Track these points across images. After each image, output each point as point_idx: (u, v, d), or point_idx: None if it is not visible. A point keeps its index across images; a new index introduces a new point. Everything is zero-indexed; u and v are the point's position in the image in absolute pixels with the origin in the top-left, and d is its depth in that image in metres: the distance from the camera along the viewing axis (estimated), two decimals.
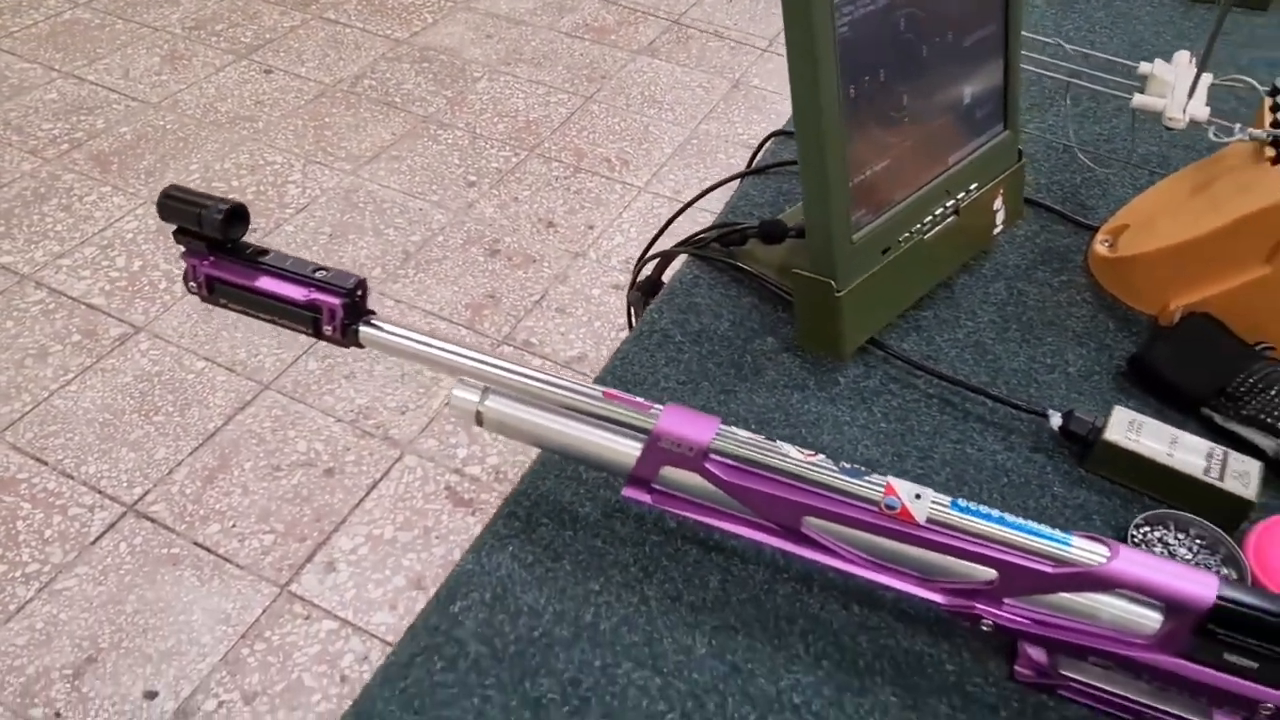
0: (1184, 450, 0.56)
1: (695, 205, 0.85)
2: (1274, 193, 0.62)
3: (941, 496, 0.45)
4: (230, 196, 0.49)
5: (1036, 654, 0.48)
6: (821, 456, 0.47)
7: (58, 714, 1.20)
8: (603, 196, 2.13)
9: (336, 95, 2.40)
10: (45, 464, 1.49)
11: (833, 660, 0.49)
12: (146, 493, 1.47)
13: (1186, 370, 0.62)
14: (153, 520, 1.43)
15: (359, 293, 0.52)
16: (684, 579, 0.52)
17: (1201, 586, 0.42)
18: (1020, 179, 0.72)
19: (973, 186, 0.68)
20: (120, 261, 1.88)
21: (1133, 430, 0.57)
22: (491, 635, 0.49)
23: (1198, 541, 0.54)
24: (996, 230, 0.72)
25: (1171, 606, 0.42)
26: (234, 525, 1.43)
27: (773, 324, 0.67)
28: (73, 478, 1.48)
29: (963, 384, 0.63)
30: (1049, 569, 0.43)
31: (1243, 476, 0.55)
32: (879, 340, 0.65)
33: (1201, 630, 0.42)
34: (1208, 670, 0.43)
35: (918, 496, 0.45)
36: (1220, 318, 0.66)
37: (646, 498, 0.50)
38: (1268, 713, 0.42)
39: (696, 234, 0.74)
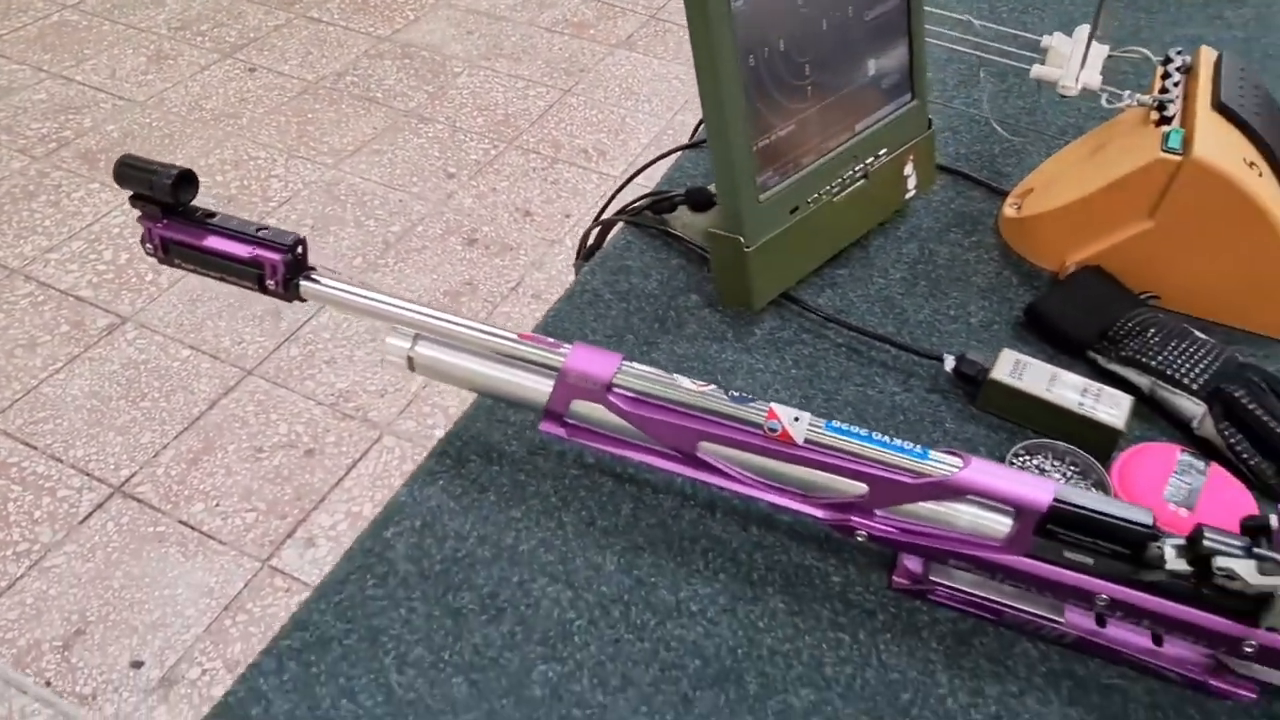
0: (1062, 387, 0.61)
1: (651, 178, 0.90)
2: (1154, 151, 0.67)
3: (818, 419, 0.50)
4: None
5: (912, 564, 0.53)
6: (713, 387, 0.52)
7: (48, 683, 1.25)
8: (580, 186, 2.18)
9: (319, 92, 2.45)
10: (35, 448, 1.54)
11: (729, 574, 0.54)
12: (133, 475, 1.52)
13: (1074, 318, 0.67)
14: (139, 500, 1.48)
15: (298, 249, 0.57)
16: (598, 506, 0.57)
17: (1040, 491, 0.47)
18: (930, 146, 0.77)
19: (882, 152, 0.72)
20: (107, 255, 1.93)
21: (1017, 370, 0.62)
22: (420, 556, 0.54)
23: (1071, 468, 0.59)
24: (909, 194, 0.77)
25: (1016, 510, 0.47)
26: (217, 504, 1.48)
27: (697, 283, 0.72)
28: (61, 461, 1.53)
29: (868, 333, 0.68)
30: (910, 480, 0.48)
31: (1114, 410, 0.60)
32: (793, 295, 0.70)
33: (1043, 530, 0.47)
34: (1051, 567, 0.47)
35: (796, 419, 0.50)
36: (1111, 270, 0.71)
37: (561, 431, 0.55)
38: (1103, 603, 0.47)
39: (631, 203, 0.79)
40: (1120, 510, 0.46)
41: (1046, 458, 0.60)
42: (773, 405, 0.50)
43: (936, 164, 0.84)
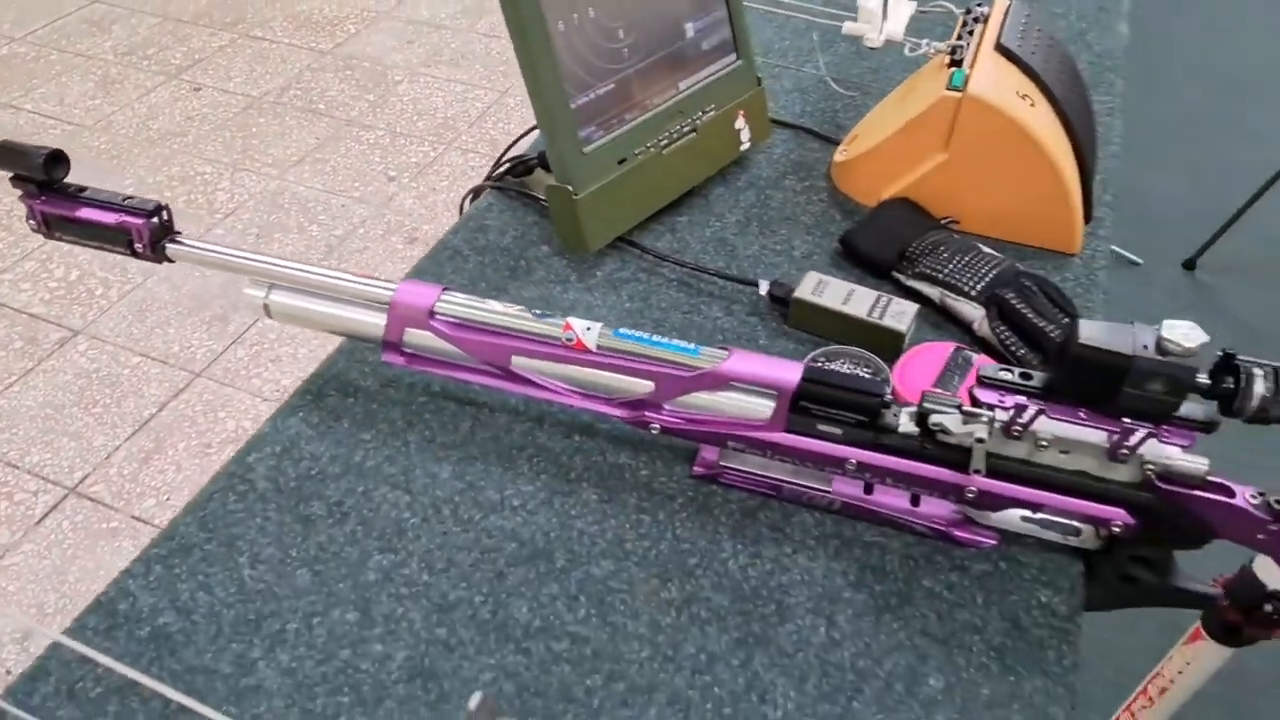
0: (856, 301, 0.69)
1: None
2: (941, 90, 0.74)
3: (608, 328, 0.57)
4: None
5: (709, 454, 0.60)
6: (519, 308, 0.59)
7: (8, 671, 1.31)
8: None
9: (263, 106, 2.52)
10: None
11: (549, 474, 0.61)
12: (86, 476, 1.58)
13: (877, 243, 0.75)
14: (93, 500, 1.54)
15: (161, 215, 0.64)
16: (440, 426, 0.64)
17: (790, 371, 0.54)
18: (761, 102, 0.85)
19: (709, 108, 0.80)
20: (59, 273, 1.99)
21: (818, 289, 0.70)
22: (277, 476, 0.61)
23: (864, 370, 0.67)
24: (744, 146, 0.84)
25: (775, 391, 0.55)
26: (169, 499, 1.55)
27: (549, 235, 0.80)
28: (17, 467, 1.59)
29: (694, 267, 0.75)
30: (686, 374, 0.56)
31: (900, 316, 0.68)
32: (632, 239, 0.78)
33: (797, 407, 0.54)
34: (807, 439, 0.55)
35: (588, 329, 0.57)
36: (918, 200, 0.78)
37: (400, 359, 0.62)
38: (852, 467, 0.54)
39: (492, 169, 0.87)
40: (857, 383, 0.54)
41: (841, 362, 0.67)
42: (569, 319, 0.58)
43: (777, 119, 0.92)
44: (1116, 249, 2.06)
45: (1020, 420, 0.49)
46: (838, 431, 0.54)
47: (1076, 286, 0.75)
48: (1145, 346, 0.45)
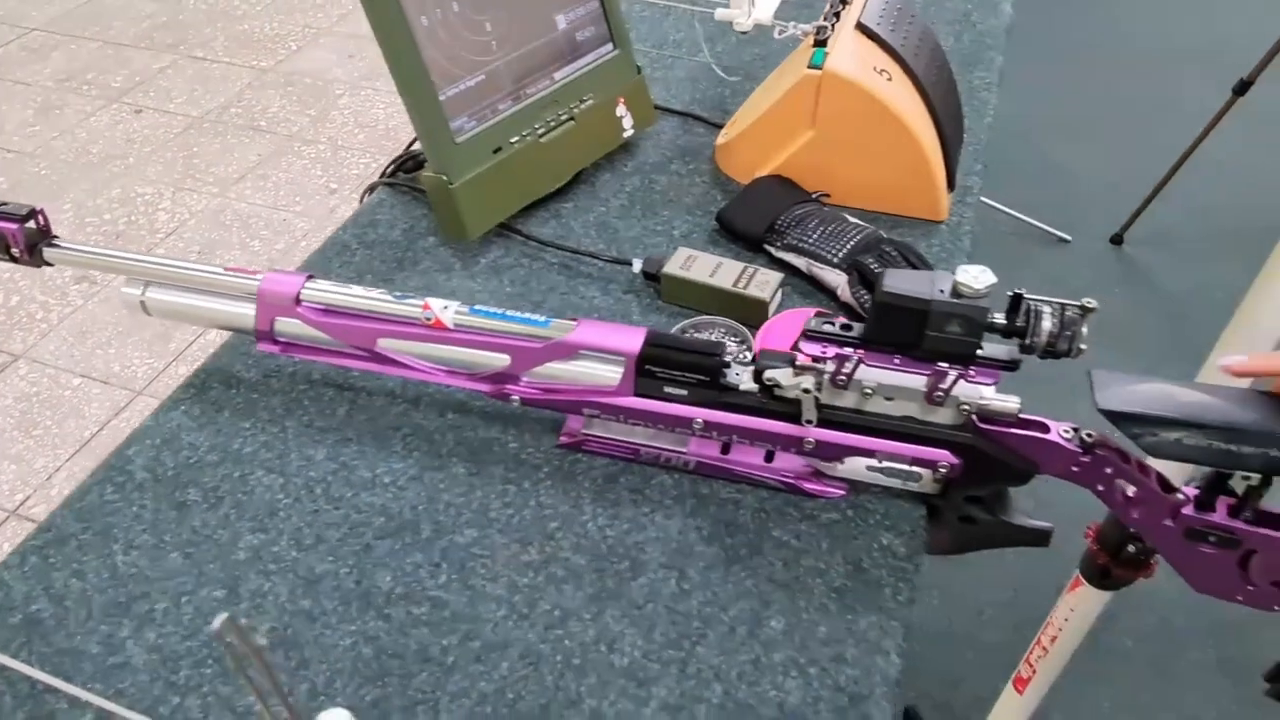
0: (723, 273, 0.71)
1: None
2: (803, 69, 0.77)
3: (464, 306, 0.60)
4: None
5: (574, 423, 0.62)
6: (380, 291, 0.61)
7: None
8: None
9: (204, 126, 2.53)
10: None
11: (422, 451, 0.63)
12: (27, 498, 1.58)
13: (748, 218, 0.77)
14: (33, 521, 1.54)
15: (36, 219, 0.65)
16: (318, 412, 0.66)
17: (634, 338, 0.56)
18: (642, 89, 0.87)
19: (587, 97, 0.82)
20: None
21: (687, 264, 0.72)
22: (155, 466, 0.62)
23: (732, 338, 0.69)
24: (627, 133, 0.87)
25: (621, 357, 0.57)
26: None
27: (436, 227, 0.82)
28: None
29: (572, 250, 0.77)
30: (538, 345, 0.58)
31: (764, 286, 0.70)
32: (514, 226, 0.80)
33: (643, 372, 0.57)
34: (656, 402, 0.57)
35: (445, 307, 0.59)
36: (792, 176, 0.81)
37: (275, 348, 0.64)
38: (699, 427, 0.57)
39: (386, 167, 0.89)
40: (696, 345, 0.56)
41: (709, 331, 0.70)
42: (427, 298, 0.60)
43: (665, 107, 0.95)
44: (1045, 227, 2.11)
45: (844, 370, 0.52)
46: (683, 393, 0.57)
47: (941, 251, 0.78)
48: (942, 290, 0.48)
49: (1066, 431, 0.52)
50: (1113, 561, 0.73)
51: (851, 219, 0.76)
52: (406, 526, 0.58)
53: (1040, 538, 0.58)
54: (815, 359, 0.52)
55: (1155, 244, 2.09)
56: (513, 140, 0.77)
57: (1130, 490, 0.52)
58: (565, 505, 0.59)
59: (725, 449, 0.60)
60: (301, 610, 0.54)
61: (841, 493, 0.59)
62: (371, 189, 0.91)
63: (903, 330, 0.50)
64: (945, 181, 0.79)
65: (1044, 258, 2.08)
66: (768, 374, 0.54)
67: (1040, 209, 2.14)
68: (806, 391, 0.53)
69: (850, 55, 0.76)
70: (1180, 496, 0.51)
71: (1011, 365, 0.50)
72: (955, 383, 0.50)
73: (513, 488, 0.60)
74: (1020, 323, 0.48)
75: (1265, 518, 0.50)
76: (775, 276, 0.71)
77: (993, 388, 0.51)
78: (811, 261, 0.73)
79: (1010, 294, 0.49)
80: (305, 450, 0.63)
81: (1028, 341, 0.48)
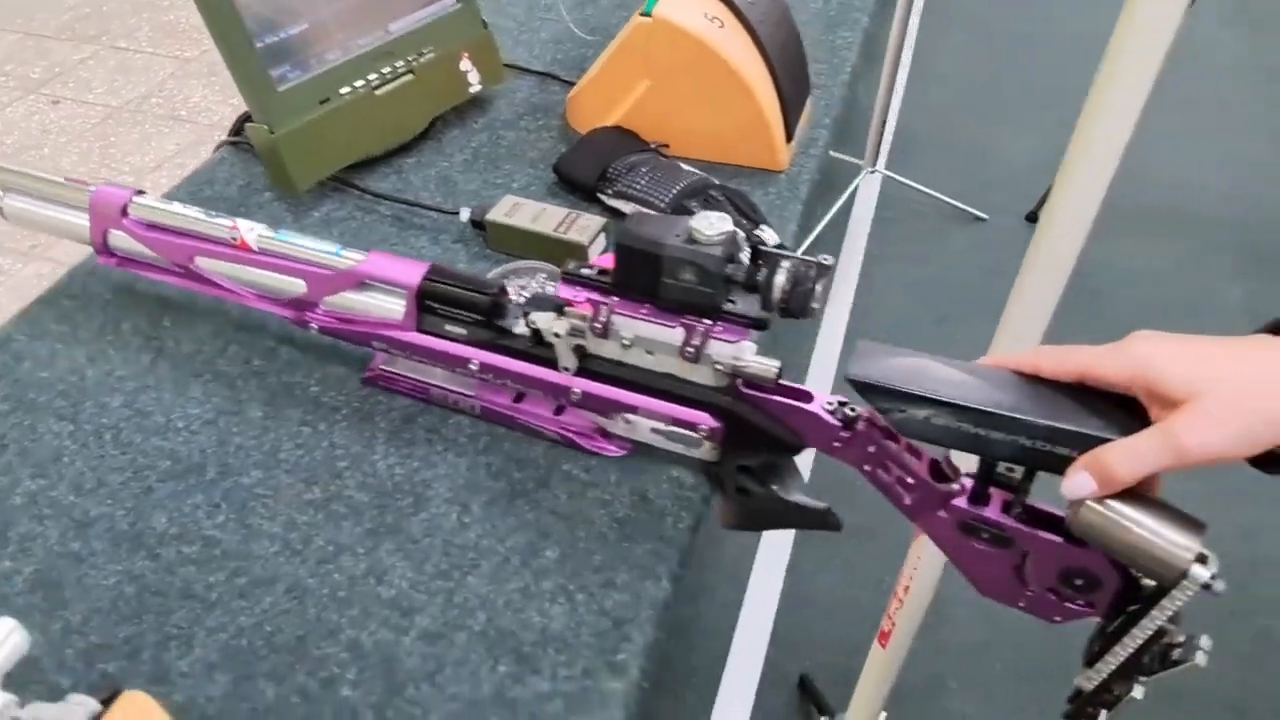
0: (545, 218, 0.71)
1: None
2: (637, 18, 0.77)
3: (270, 229, 0.59)
4: None
5: (380, 361, 0.61)
6: (197, 209, 0.61)
7: None
8: None
9: (123, 116, 2.48)
10: None
11: (221, 397, 0.61)
12: None
13: (581, 168, 0.77)
14: None
15: None
16: (122, 361, 0.64)
17: (415, 271, 0.56)
18: (489, 45, 0.87)
19: (427, 50, 0.81)
20: None
21: (511, 211, 0.71)
22: None
23: (548, 282, 0.68)
24: (474, 89, 0.86)
25: (404, 290, 0.56)
26: None
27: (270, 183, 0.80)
28: None
29: (402, 200, 0.76)
30: (330, 273, 0.57)
31: (584, 230, 0.69)
32: (348, 180, 0.79)
33: (425, 307, 0.56)
34: (436, 339, 0.56)
35: (252, 229, 0.59)
36: (633, 128, 0.81)
37: (112, 260, 0.64)
38: (475, 368, 0.56)
39: (232, 126, 0.87)
40: (474, 283, 0.55)
41: (530, 275, 0.69)
42: (236, 219, 0.59)
43: (523, 66, 0.94)
44: (962, 205, 2.12)
45: (600, 318, 0.51)
46: (463, 332, 0.56)
47: (778, 200, 0.78)
48: (677, 236, 0.47)
49: (830, 404, 0.49)
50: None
51: (686, 167, 0.76)
52: (193, 470, 0.57)
53: (819, 519, 0.54)
54: (569, 303, 0.51)
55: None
56: (343, 91, 0.76)
57: (896, 473, 0.48)
58: (358, 445, 0.58)
59: (519, 398, 0.59)
60: (70, 552, 0.52)
61: (621, 452, 0.57)
62: (217, 148, 0.89)
63: (642, 277, 0.48)
64: (783, 132, 0.79)
65: (960, 236, 2.10)
66: (531, 317, 0.53)
67: (959, 189, 2.16)
68: (558, 336, 0.52)
69: (680, 3, 0.76)
70: (955, 487, 0.47)
71: (760, 323, 0.48)
72: (705, 338, 0.49)
73: (308, 429, 0.59)
74: (760, 277, 0.47)
75: (1035, 516, 0.46)
76: (597, 221, 0.70)
77: (752, 349, 0.50)
78: (639, 207, 0.73)
79: (750, 245, 0.48)
80: (101, 398, 0.61)
81: (766, 297, 0.47)
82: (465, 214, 0.73)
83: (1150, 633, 0.45)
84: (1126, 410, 0.42)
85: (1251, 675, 1.31)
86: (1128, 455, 0.40)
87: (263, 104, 0.72)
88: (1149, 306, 1.90)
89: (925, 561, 0.82)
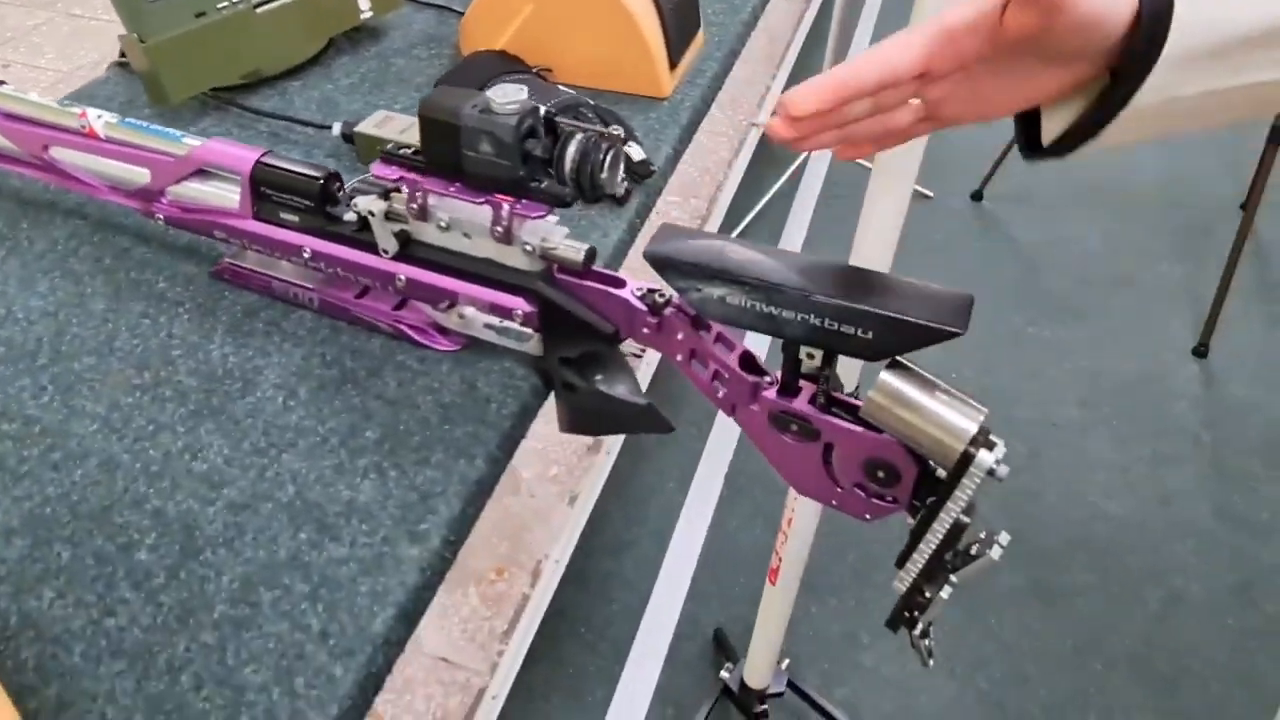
0: (414, 131, 0.69)
1: None
2: None
3: (116, 116, 0.59)
4: None
5: (230, 256, 0.61)
6: (52, 99, 0.61)
7: None
8: None
9: (74, 81, 2.46)
10: None
11: (64, 291, 0.61)
12: None
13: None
14: None
15: None
16: None
17: (248, 156, 0.55)
18: None
19: None
20: None
21: (381, 124, 0.71)
22: None
23: None
24: (364, 14, 0.86)
25: (239, 176, 0.56)
26: None
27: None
28: None
29: (277, 116, 0.76)
30: (169, 159, 0.57)
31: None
32: (230, 98, 0.78)
33: (260, 194, 0.56)
34: (270, 226, 0.56)
35: (100, 116, 0.59)
36: (517, 53, 0.81)
37: None
38: (308, 256, 0.56)
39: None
40: (300, 168, 0.55)
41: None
42: (85, 107, 0.59)
43: (427, 1, 0.94)
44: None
45: (416, 199, 0.51)
46: (295, 219, 0.56)
47: (657, 124, 0.78)
48: (474, 107, 0.47)
49: (639, 290, 0.50)
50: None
51: (563, 88, 0.76)
52: (24, 356, 0.56)
53: (644, 417, 0.54)
54: (385, 181, 0.51)
55: (1013, 200, 2.14)
56: (220, 6, 0.76)
57: (711, 366, 0.49)
58: (196, 336, 0.58)
59: (363, 294, 0.59)
60: None
61: (454, 348, 0.57)
62: (107, 69, 0.89)
63: (445, 150, 0.48)
64: (665, 59, 0.80)
65: (909, 213, 2.11)
66: (355, 201, 0.53)
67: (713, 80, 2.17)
68: (372, 214, 0.52)
69: None
70: (767, 379, 0.47)
71: (560, 200, 0.49)
72: (511, 217, 0.49)
73: (148, 321, 0.59)
74: (558, 151, 0.47)
75: (837, 405, 0.46)
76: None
77: (563, 233, 0.50)
78: None
79: (544, 114, 0.48)
80: None
81: (557, 170, 0.47)
82: (337, 128, 0.73)
83: (949, 525, 0.46)
84: (927, 302, 0.43)
85: (1158, 633, 1.33)
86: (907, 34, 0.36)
87: (133, 13, 0.71)
88: (1083, 281, 1.92)
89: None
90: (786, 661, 1.19)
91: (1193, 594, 1.38)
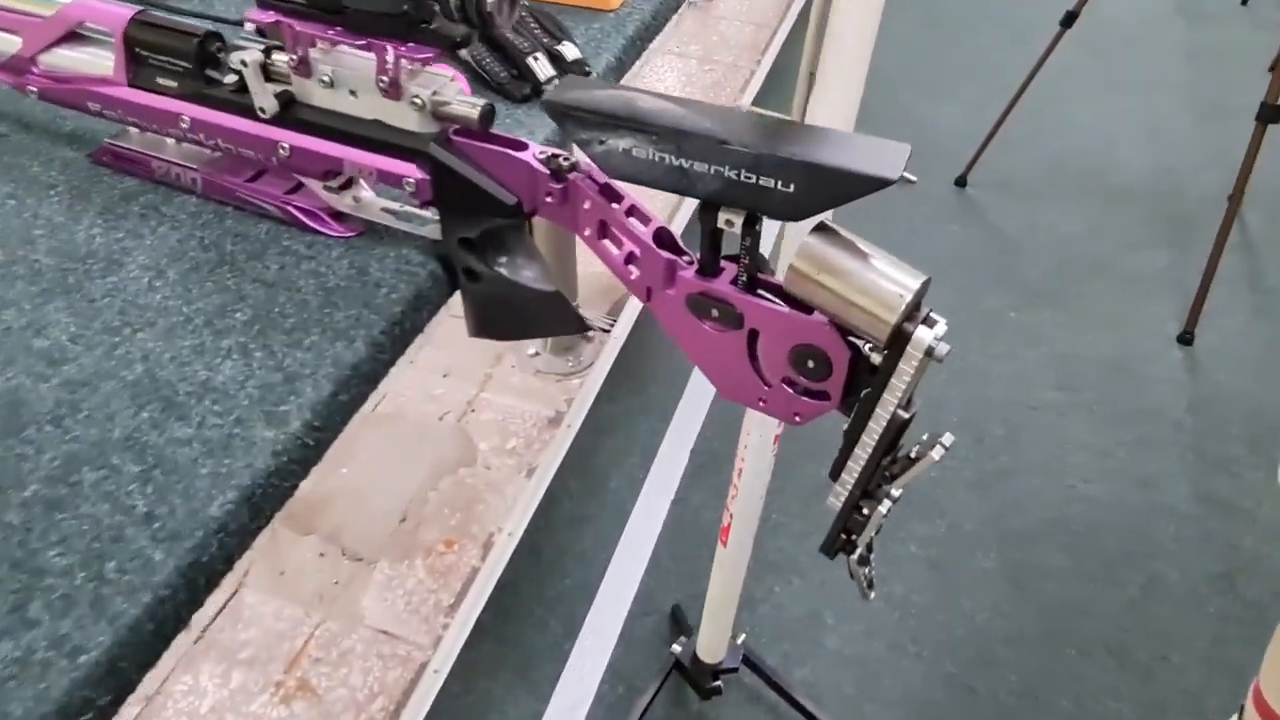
0: None
1: None
2: None
3: None
4: None
5: (111, 138, 0.55)
6: None
7: None
8: None
9: None
10: None
11: None
12: None
13: None
14: None
15: None
16: None
17: (120, 14, 0.50)
18: None
19: None
20: None
21: None
22: None
23: None
24: None
25: (113, 38, 0.50)
26: None
27: None
28: None
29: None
30: (39, 21, 0.51)
31: None
32: None
33: (136, 58, 0.50)
34: (147, 94, 0.51)
35: None
36: None
37: None
38: (185, 125, 0.50)
39: None
40: (182, 25, 0.50)
41: None
42: None
43: None
44: None
45: (295, 49, 0.45)
46: (174, 85, 0.50)
47: (600, 34, 0.73)
48: None
49: (542, 154, 0.44)
50: None
51: None
52: None
53: (551, 308, 0.49)
54: (260, 26, 0.46)
55: (996, 187, 2.10)
56: None
57: (626, 246, 0.43)
58: (62, 217, 0.52)
59: (257, 176, 0.53)
60: None
61: (350, 233, 0.52)
62: None
63: None
64: None
65: (889, 196, 2.06)
66: (233, 56, 0.47)
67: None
68: (244, 64, 0.46)
69: None
70: (685, 259, 0.42)
71: (451, 41, 0.44)
72: (397, 62, 0.44)
73: (13, 202, 0.53)
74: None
75: (763, 287, 0.41)
76: None
77: (458, 88, 0.45)
78: (437, 12, 0.67)
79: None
80: None
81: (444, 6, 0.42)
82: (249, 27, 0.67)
83: (886, 420, 0.41)
84: (857, 150, 0.38)
85: (1136, 619, 1.27)
86: None
87: None
88: (1065, 266, 1.87)
89: (754, 441, 0.77)
90: (743, 636, 1.13)
91: (1172, 580, 1.32)
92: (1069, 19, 1.80)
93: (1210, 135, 2.30)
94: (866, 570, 0.49)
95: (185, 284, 0.48)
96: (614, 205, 0.44)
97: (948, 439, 0.43)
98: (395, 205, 0.51)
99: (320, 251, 0.50)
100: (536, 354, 1.69)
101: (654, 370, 1.61)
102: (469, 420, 1.53)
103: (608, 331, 1.71)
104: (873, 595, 0.52)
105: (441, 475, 1.44)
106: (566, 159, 0.44)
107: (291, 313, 0.46)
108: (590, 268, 1.74)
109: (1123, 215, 2.04)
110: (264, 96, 0.47)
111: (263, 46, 0.47)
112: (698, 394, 1.57)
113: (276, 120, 0.48)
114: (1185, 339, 1.71)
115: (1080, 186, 2.12)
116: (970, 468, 1.47)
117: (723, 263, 0.43)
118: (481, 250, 0.48)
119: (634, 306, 1.77)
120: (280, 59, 0.47)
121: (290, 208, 0.51)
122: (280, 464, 0.40)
